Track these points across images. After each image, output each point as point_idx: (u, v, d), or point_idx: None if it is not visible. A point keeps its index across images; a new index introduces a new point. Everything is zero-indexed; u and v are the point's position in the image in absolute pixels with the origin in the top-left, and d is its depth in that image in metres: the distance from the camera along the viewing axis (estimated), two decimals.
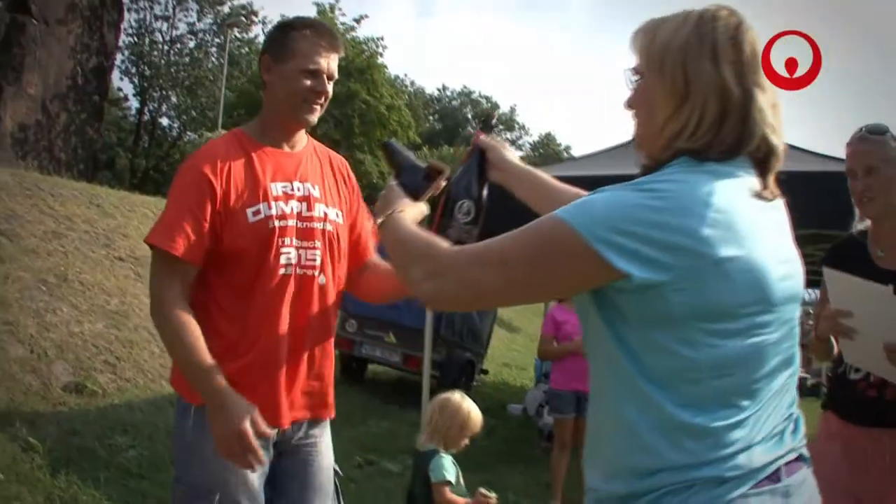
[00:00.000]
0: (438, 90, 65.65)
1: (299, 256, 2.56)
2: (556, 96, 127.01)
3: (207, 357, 2.32)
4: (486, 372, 13.83)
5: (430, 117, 61.52)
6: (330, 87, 2.59)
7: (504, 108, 65.37)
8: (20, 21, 29.67)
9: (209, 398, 2.31)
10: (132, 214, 11.19)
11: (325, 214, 2.66)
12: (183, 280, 2.44)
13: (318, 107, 2.59)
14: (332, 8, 38.42)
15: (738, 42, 1.53)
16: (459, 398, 4.03)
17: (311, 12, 35.04)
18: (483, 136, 2.11)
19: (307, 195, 2.63)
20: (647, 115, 1.61)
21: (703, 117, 1.51)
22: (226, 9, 41.58)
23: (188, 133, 42.07)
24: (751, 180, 1.54)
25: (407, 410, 9.64)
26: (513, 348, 18.80)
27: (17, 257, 8.31)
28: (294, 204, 2.58)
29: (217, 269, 2.51)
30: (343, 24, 39.76)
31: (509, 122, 64.72)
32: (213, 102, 38.72)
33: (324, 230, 2.64)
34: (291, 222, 2.56)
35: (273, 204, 2.53)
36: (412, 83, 60.70)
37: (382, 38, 44.04)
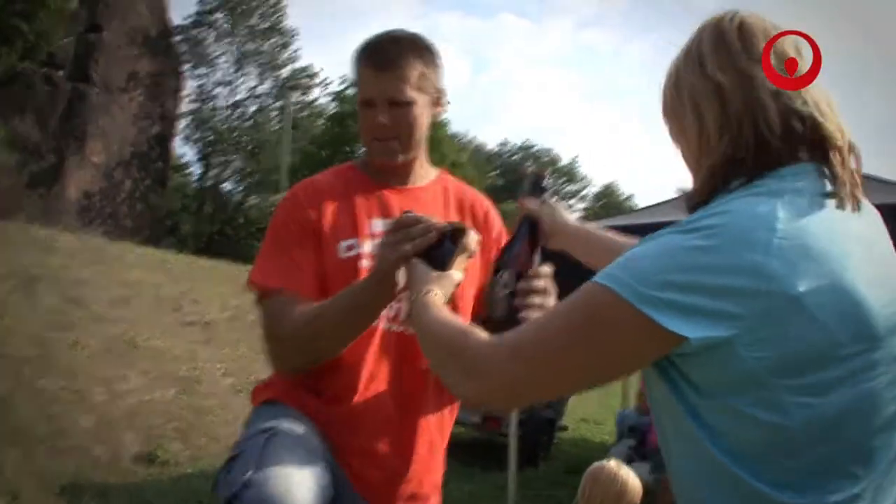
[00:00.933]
0: (499, 145, 65.39)
1: (397, 308, 2.14)
2: (619, 145, 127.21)
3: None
4: (565, 428, 13.51)
5: (492, 173, 60.78)
6: (391, 113, 2.18)
7: (565, 159, 65.41)
8: (82, 90, 30.60)
9: (365, 286, 1.99)
10: (199, 279, 11.24)
11: None
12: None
13: (386, 141, 2.21)
14: None
15: (722, 37, 1.41)
16: (614, 466, 3.79)
17: None
18: (531, 201, 1.98)
19: None
20: (682, 151, 1.49)
21: (705, 128, 1.38)
22: (286, 72, 42.45)
23: (252, 197, 42.76)
24: (821, 188, 1.30)
25: (489, 473, 9.39)
26: (588, 403, 18.42)
27: (85, 324, 8.33)
28: None
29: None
30: None
31: (571, 174, 64.37)
32: (275, 165, 39.30)
33: None
34: None
35: (370, 241, 2.16)
36: (473, 139, 60.96)
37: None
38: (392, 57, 2.17)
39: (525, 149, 64.68)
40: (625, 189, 71.83)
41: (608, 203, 61.46)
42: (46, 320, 8.30)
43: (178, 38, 35.45)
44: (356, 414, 2.09)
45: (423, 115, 2.24)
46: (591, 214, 58.38)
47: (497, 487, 7.83)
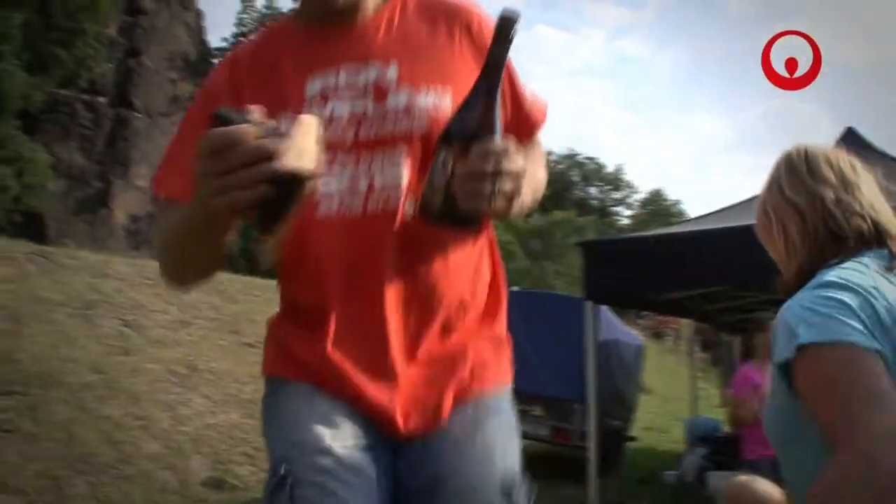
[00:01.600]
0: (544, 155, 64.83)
1: (355, 182, 1.69)
2: (659, 151, 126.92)
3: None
4: (634, 439, 13.27)
5: None
6: None
7: (610, 167, 65.69)
8: (124, 115, 30.91)
9: (190, 216, 1.48)
10: (256, 299, 11.17)
11: (414, 104, 1.72)
12: None
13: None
14: None
15: (793, 167, 1.89)
16: (748, 481, 3.58)
17: None
18: (496, 49, 1.50)
19: (375, 83, 1.74)
20: (773, 254, 1.97)
21: (790, 238, 1.86)
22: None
23: None
24: (886, 264, 1.74)
25: (559, 486, 9.20)
26: (650, 410, 18.16)
27: (144, 349, 8.29)
28: (347, 104, 1.73)
29: None
30: None
31: (616, 181, 64.55)
32: None
33: (407, 134, 1.71)
34: (336, 133, 1.70)
35: (305, 110, 1.69)
36: None
37: None
38: None
39: (569, 157, 64.89)
40: (671, 195, 71.43)
41: (656, 210, 61.47)
42: (105, 346, 8.26)
43: (216, 60, 35.77)
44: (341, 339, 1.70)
45: None
46: (639, 221, 58.17)
47: (567, 501, 7.62)
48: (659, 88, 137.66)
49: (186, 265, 1.69)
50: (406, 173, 1.68)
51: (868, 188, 1.84)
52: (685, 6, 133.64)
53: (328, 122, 1.67)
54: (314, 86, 1.74)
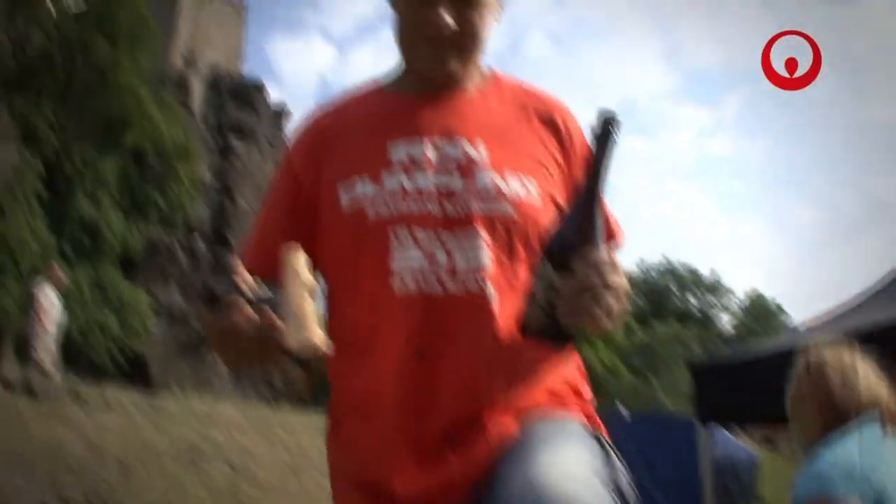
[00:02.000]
0: (638, 266, 64.33)
1: (434, 260, 1.61)
2: (762, 247, 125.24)
3: None
4: None
5: (635, 297, 60.37)
6: (456, 10, 1.69)
7: (706, 272, 64.61)
8: (221, 255, 31.44)
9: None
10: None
11: (499, 188, 1.67)
12: None
13: (442, 48, 1.72)
14: None
15: (809, 370, 2.80)
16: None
17: None
18: (599, 153, 1.43)
19: (463, 160, 1.69)
20: (796, 436, 2.83)
21: (809, 426, 2.72)
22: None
23: None
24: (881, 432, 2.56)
25: None
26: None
27: (256, 496, 8.08)
28: (430, 176, 1.67)
29: (330, 276, 1.77)
30: None
31: (713, 287, 63.28)
32: None
33: (490, 215, 1.65)
34: (418, 206, 1.64)
35: (384, 175, 1.66)
36: None
37: None
38: None
39: (665, 267, 64.19)
40: (771, 291, 70.06)
41: (758, 315, 60.09)
42: (215, 494, 8.07)
43: None
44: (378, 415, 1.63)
45: (490, 20, 1.77)
46: (742, 329, 57.00)
47: None
48: (750, 184, 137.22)
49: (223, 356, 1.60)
50: (487, 257, 1.62)
51: (866, 379, 2.66)
52: (766, 98, 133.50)
53: (412, 193, 1.64)
54: (398, 151, 1.69)
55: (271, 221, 1.78)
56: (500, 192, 1.65)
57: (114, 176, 34.41)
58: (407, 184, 1.65)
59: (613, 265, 1.40)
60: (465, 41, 1.72)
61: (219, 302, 1.31)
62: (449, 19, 1.66)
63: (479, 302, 1.59)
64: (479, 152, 1.69)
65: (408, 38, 1.74)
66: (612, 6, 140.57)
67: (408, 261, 1.60)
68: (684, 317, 56.47)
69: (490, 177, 1.66)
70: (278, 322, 1.29)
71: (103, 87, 33.59)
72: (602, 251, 1.40)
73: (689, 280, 62.40)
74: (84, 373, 25.46)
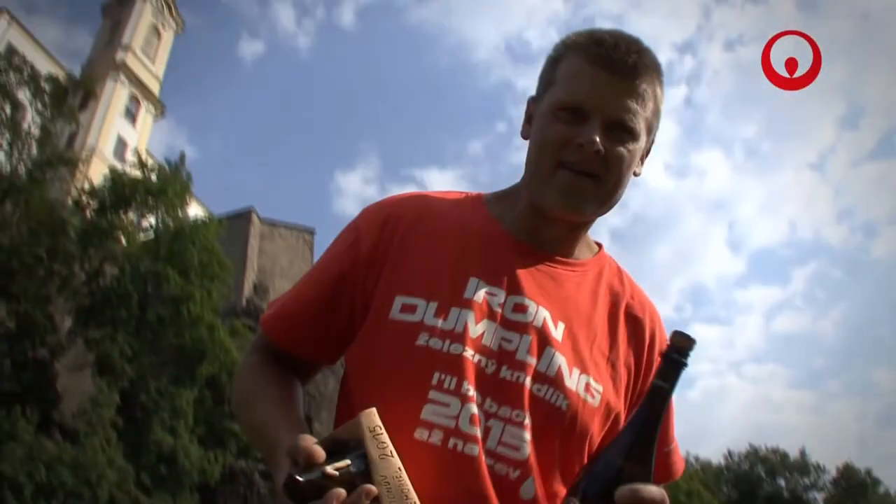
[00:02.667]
0: (725, 457, 64.17)
1: (473, 424, 1.47)
2: (847, 417, 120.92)
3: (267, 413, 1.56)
4: None
5: (724, 487, 60.27)
6: (607, 138, 1.54)
7: (792, 452, 63.10)
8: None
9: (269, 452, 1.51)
10: None
11: (562, 376, 1.54)
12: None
13: (582, 175, 1.55)
14: None
15: None
16: None
17: None
18: (665, 377, 1.33)
19: (540, 329, 1.55)
20: None
21: None
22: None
23: None
24: None
25: None
26: None
27: None
28: (497, 330, 1.54)
29: (356, 379, 1.62)
30: None
31: (802, 467, 61.84)
32: None
33: (552, 401, 1.52)
34: (473, 355, 1.50)
35: (452, 309, 1.53)
36: (696, 458, 60.39)
37: None
38: (633, 63, 1.55)
39: (751, 454, 63.87)
40: (861, 461, 68.63)
41: (849, 486, 59.21)
42: None
43: None
44: None
45: (636, 162, 1.64)
46: (834, 503, 56.21)
47: None
48: (828, 355, 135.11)
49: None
50: (526, 439, 1.48)
51: None
52: (834, 267, 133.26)
53: (474, 341, 1.51)
54: (478, 292, 1.55)
55: (311, 297, 1.66)
56: (561, 382, 1.54)
57: (190, 405, 34.52)
58: (472, 329, 1.52)
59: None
60: (609, 180, 1.58)
61: (303, 490, 1.26)
62: (596, 141, 1.52)
63: (504, 483, 1.46)
64: (557, 331, 1.57)
65: (542, 160, 1.59)
66: (670, 201, 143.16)
67: (442, 409, 1.47)
68: (776, 501, 55.61)
69: (559, 362, 1.54)
70: (373, 492, 1.25)
71: (176, 319, 34.40)
72: (652, 488, 1.29)
73: (777, 463, 61.25)
74: None
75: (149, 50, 54.74)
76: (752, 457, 62.97)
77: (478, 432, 1.46)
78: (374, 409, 1.35)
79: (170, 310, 34.48)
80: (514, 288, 1.57)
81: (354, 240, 1.63)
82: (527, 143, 1.65)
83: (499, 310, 1.54)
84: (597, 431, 1.55)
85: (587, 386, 1.55)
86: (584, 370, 1.56)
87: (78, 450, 28.99)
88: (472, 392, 1.47)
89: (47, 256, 32.12)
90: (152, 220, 36.50)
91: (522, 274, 1.59)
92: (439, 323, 1.51)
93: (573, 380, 1.54)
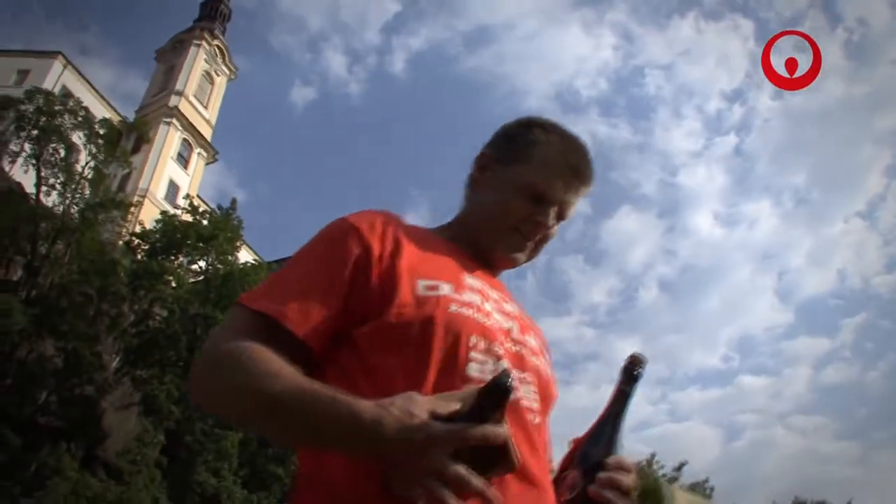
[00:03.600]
0: None
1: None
2: (889, 476, 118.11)
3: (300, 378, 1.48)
4: None
5: None
6: (553, 222, 1.93)
7: None
8: None
9: (344, 428, 1.40)
10: None
11: (540, 355, 1.87)
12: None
13: (527, 241, 1.92)
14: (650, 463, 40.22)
15: None
16: None
17: None
18: (622, 384, 1.78)
19: (518, 317, 1.88)
20: None
21: None
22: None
23: None
24: None
25: None
26: None
27: None
28: (497, 313, 1.80)
29: (381, 353, 1.64)
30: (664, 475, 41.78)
31: None
32: None
33: (538, 370, 1.82)
34: (493, 323, 1.75)
35: (465, 290, 1.74)
36: None
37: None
38: (591, 175, 1.97)
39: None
40: None
41: None
42: None
43: None
44: None
45: None
46: None
47: None
48: (876, 406, 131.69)
49: (273, 435, 1.64)
50: (537, 399, 1.78)
51: None
52: (878, 317, 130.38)
53: (489, 312, 1.75)
54: (472, 281, 1.79)
55: (323, 284, 1.68)
56: (541, 359, 1.86)
57: (235, 447, 34.68)
58: (484, 306, 1.75)
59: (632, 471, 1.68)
60: (542, 248, 1.97)
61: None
62: (549, 223, 1.90)
63: (532, 436, 1.70)
64: (524, 322, 1.89)
65: (502, 222, 1.89)
66: (719, 250, 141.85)
67: (482, 366, 1.65)
68: None
69: (535, 344, 1.87)
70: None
71: None
72: (625, 459, 1.69)
73: None
74: None
75: (202, 95, 55.82)
76: None
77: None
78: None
79: None
80: (490, 285, 1.85)
81: (357, 236, 1.72)
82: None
83: (490, 296, 1.80)
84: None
85: (549, 365, 1.90)
86: (542, 350, 1.90)
87: (122, 488, 29.14)
88: (501, 351, 1.69)
89: (97, 296, 32.70)
90: (202, 263, 37.00)
91: (486, 278, 1.86)
92: (463, 296, 1.70)
93: (545, 360, 1.88)
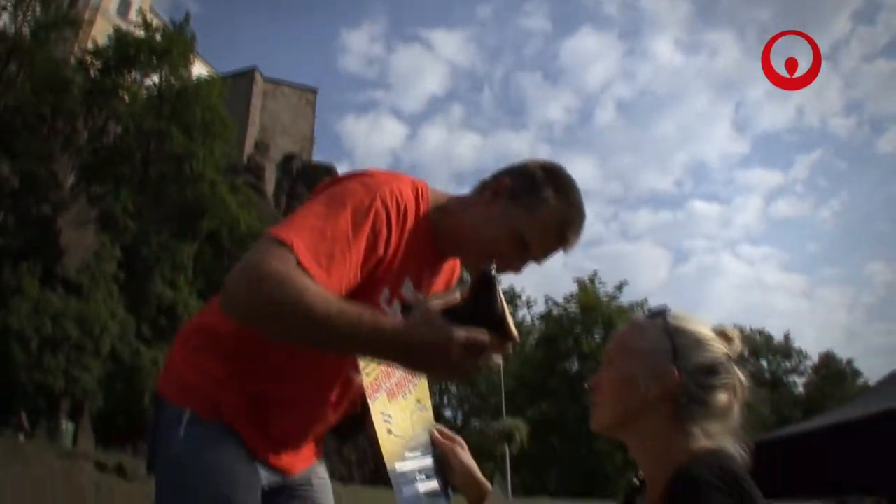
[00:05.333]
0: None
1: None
2: (837, 307, 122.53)
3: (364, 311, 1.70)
4: None
5: None
6: (523, 270, 2.17)
7: (778, 336, 64.16)
8: None
9: (396, 343, 1.66)
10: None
11: None
12: None
13: (500, 273, 2.07)
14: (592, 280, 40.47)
15: None
16: None
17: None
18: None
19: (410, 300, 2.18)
20: None
21: None
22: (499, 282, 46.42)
23: (473, 421, 43.34)
24: None
25: None
26: None
27: None
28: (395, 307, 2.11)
29: None
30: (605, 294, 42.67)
31: (785, 350, 63.02)
32: (492, 389, 39.78)
33: None
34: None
35: (391, 305, 2.06)
36: None
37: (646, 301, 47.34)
38: (575, 245, 2.16)
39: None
40: (843, 354, 68.78)
41: (828, 374, 59.78)
42: None
43: None
44: (286, 441, 2.10)
45: None
46: (814, 390, 56.48)
47: None
48: (824, 244, 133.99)
49: (311, 342, 1.76)
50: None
51: None
52: (834, 157, 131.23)
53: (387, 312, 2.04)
54: (407, 288, 2.08)
55: (352, 266, 1.86)
56: None
57: (190, 259, 35.35)
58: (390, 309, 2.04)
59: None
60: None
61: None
62: (522, 268, 2.11)
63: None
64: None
65: (483, 246, 2.08)
66: (679, 76, 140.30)
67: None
68: (756, 381, 56.56)
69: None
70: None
71: (179, 176, 34.80)
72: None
73: (762, 345, 61.66)
74: None
75: None
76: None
77: None
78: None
79: (172, 167, 35.37)
80: (417, 286, 2.12)
81: (387, 234, 1.96)
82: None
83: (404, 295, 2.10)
84: None
85: None
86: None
87: (82, 303, 30.37)
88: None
89: (51, 115, 32.78)
90: (156, 79, 36.58)
91: (425, 277, 2.15)
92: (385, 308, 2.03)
93: None
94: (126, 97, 35.15)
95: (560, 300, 45.96)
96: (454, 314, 1.61)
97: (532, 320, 47.82)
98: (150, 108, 35.35)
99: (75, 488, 7.20)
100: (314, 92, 58.08)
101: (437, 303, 1.65)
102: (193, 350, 2.03)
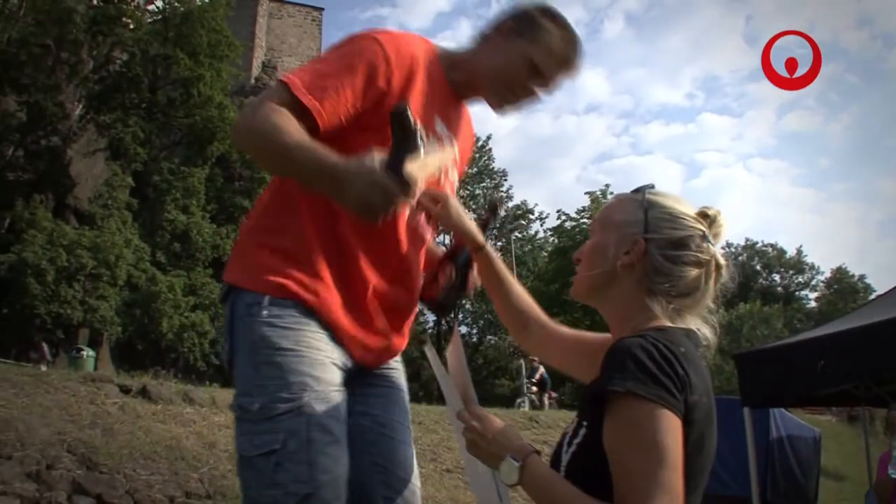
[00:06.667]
0: (723, 247, 63.88)
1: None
2: (849, 222, 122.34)
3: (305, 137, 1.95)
4: None
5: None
6: (540, 96, 2.38)
7: (791, 250, 63.76)
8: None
9: (323, 177, 1.92)
10: (452, 428, 11.07)
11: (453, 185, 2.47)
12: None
13: (517, 106, 2.36)
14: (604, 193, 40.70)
15: None
16: None
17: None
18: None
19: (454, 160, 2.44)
20: None
21: None
22: (502, 211, 44.75)
23: (489, 337, 44.07)
24: None
25: None
26: (842, 498, 16.90)
27: None
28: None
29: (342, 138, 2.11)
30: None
31: (798, 265, 62.46)
32: None
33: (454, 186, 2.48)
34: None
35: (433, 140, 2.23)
36: None
37: None
38: (579, 68, 2.38)
39: (749, 247, 63.08)
40: (854, 270, 68.44)
41: (841, 288, 59.39)
42: None
43: None
44: (367, 307, 2.17)
45: None
46: (826, 304, 56.26)
47: None
48: (835, 159, 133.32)
49: (279, 171, 2.14)
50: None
51: None
52: (849, 73, 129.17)
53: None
54: (440, 126, 2.28)
55: (351, 99, 2.05)
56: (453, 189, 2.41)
57: (201, 184, 35.49)
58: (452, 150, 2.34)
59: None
60: (525, 108, 2.37)
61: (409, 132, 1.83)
62: (537, 98, 2.34)
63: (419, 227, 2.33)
64: (457, 156, 2.41)
65: (503, 81, 2.30)
66: None
67: None
68: (769, 296, 55.70)
69: (455, 176, 2.43)
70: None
71: (187, 100, 34.74)
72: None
73: (774, 259, 61.64)
74: (183, 374, 26.08)
75: None
76: (750, 250, 63.08)
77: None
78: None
79: (180, 91, 35.37)
80: (454, 127, 2.36)
81: (385, 67, 2.10)
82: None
83: (444, 136, 2.29)
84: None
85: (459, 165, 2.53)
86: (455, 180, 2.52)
87: (95, 233, 30.61)
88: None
89: (55, 46, 32.60)
90: (159, 3, 36.34)
91: (454, 115, 2.37)
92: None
93: (456, 175, 2.50)
94: (130, 24, 34.86)
95: (573, 214, 45.86)
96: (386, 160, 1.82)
97: (545, 234, 47.79)
98: (155, 33, 35.23)
99: (101, 412, 7.43)
100: (320, 10, 57.10)
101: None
102: (263, 232, 2.13)
